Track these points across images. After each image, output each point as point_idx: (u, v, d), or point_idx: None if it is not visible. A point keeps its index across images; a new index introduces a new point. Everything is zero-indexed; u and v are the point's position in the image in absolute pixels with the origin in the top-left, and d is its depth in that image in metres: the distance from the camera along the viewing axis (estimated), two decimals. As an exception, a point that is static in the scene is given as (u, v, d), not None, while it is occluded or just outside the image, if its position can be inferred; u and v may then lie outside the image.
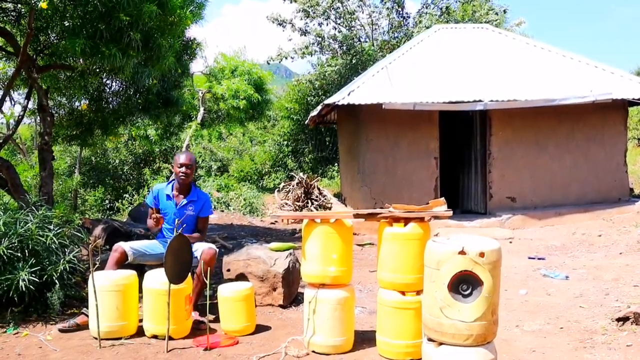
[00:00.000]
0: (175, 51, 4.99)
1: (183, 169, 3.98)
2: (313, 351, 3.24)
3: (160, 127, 10.09)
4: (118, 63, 4.26)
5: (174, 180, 4.13)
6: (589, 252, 6.35)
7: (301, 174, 12.14)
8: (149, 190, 12.25)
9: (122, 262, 3.77)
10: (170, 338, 3.36)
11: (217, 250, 3.88)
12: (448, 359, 2.47)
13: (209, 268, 3.62)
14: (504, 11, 17.80)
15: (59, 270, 3.86)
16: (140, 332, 3.57)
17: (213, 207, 10.70)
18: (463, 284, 2.44)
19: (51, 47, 5.23)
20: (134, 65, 4.84)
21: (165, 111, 6.98)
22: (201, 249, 3.82)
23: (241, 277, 4.31)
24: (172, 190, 4.07)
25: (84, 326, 3.60)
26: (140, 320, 3.63)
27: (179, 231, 3.61)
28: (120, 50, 4.19)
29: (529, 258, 6.22)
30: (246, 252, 4.46)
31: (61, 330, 3.58)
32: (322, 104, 9.27)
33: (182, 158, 4.01)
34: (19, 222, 3.92)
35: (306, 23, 18.44)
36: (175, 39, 4.76)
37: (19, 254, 3.76)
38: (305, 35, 18.65)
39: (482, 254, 2.41)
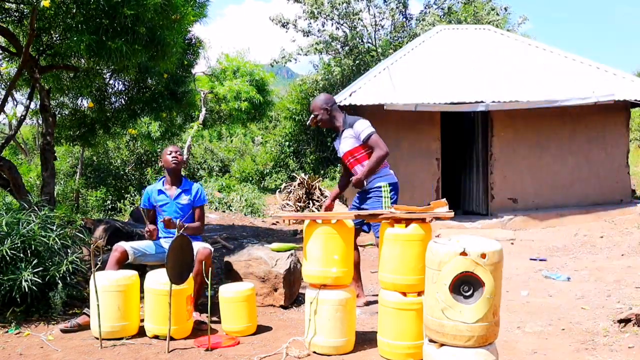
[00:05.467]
0: (180, 48, 5.00)
1: (173, 154, 4.09)
2: (314, 352, 3.24)
3: (163, 125, 10.09)
4: (124, 59, 4.26)
5: (164, 177, 4.20)
6: (591, 254, 6.34)
7: (302, 174, 12.15)
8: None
9: (123, 262, 3.78)
10: (172, 338, 3.36)
11: (212, 249, 3.90)
12: (449, 360, 2.46)
13: (210, 268, 3.63)
14: (505, 9, 17.81)
15: (62, 271, 3.86)
16: (141, 333, 3.58)
17: (214, 207, 10.77)
18: (464, 285, 2.44)
19: (54, 48, 5.24)
20: (140, 62, 4.85)
21: (171, 105, 6.99)
22: (195, 249, 3.82)
23: (242, 277, 4.32)
24: (164, 185, 4.15)
25: (86, 326, 3.61)
26: (142, 321, 3.63)
27: (181, 232, 3.62)
28: (126, 43, 4.19)
29: (531, 259, 6.22)
30: (247, 252, 4.47)
31: (63, 331, 3.59)
32: (323, 104, 9.27)
33: (170, 147, 4.16)
34: (22, 222, 3.93)
35: (309, 24, 18.46)
36: (178, 36, 4.77)
37: (22, 255, 3.77)
38: (308, 36, 18.67)
39: (483, 255, 2.41)
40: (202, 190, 4.22)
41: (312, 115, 4.17)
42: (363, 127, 4.01)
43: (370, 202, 4.04)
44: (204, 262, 3.72)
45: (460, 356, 2.44)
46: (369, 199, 4.07)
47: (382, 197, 4.00)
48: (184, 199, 4.11)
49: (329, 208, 4.24)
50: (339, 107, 4.30)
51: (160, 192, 4.12)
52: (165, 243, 4.06)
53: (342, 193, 4.44)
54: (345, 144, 4.12)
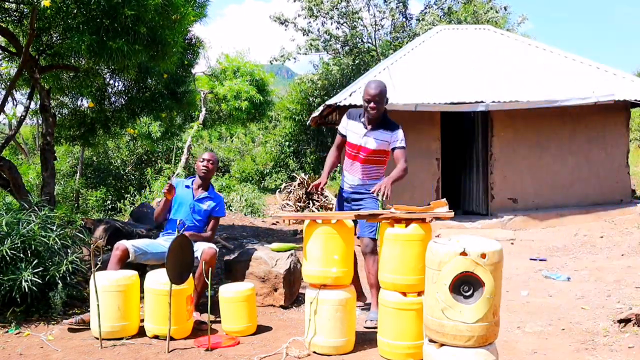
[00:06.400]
0: (180, 48, 5.00)
1: (204, 163, 4.20)
2: (314, 352, 3.25)
3: (163, 125, 10.10)
4: (125, 59, 4.26)
5: (194, 176, 4.31)
6: (591, 254, 6.34)
7: (302, 174, 12.15)
8: (150, 191, 12.30)
9: (125, 260, 3.80)
10: (172, 338, 3.36)
11: (217, 250, 3.91)
12: (449, 360, 2.46)
13: (210, 268, 3.64)
14: (505, 8, 17.84)
15: (62, 271, 3.86)
16: (141, 333, 3.58)
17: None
18: (464, 285, 2.44)
19: (54, 48, 5.24)
20: (140, 62, 4.85)
21: (171, 105, 7.00)
22: (201, 248, 3.84)
23: (242, 277, 4.32)
24: (192, 184, 4.25)
25: (89, 323, 3.60)
26: (142, 321, 3.63)
27: (181, 231, 3.62)
28: (127, 43, 4.20)
29: (531, 259, 6.22)
30: (247, 252, 4.46)
31: (69, 330, 3.59)
32: (323, 104, 9.28)
33: (205, 154, 4.27)
34: (22, 222, 3.93)
35: (309, 22, 18.47)
36: (179, 36, 4.77)
37: (22, 255, 3.77)
38: (307, 35, 18.69)
39: (483, 255, 2.41)
40: (223, 203, 4.32)
41: (372, 103, 3.81)
42: (402, 137, 3.92)
43: (365, 203, 3.94)
44: (207, 262, 3.72)
45: (460, 356, 2.44)
46: (362, 200, 3.97)
47: (378, 200, 3.88)
48: (205, 205, 4.19)
49: (318, 186, 3.94)
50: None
51: (187, 187, 4.23)
52: (166, 242, 4.07)
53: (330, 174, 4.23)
54: (377, 142, 3.92)
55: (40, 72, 5.34)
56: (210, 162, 4.21)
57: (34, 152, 13.75)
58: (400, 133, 3.93)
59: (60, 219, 4.63)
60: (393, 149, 3.93)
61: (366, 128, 3.95)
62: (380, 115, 3.92)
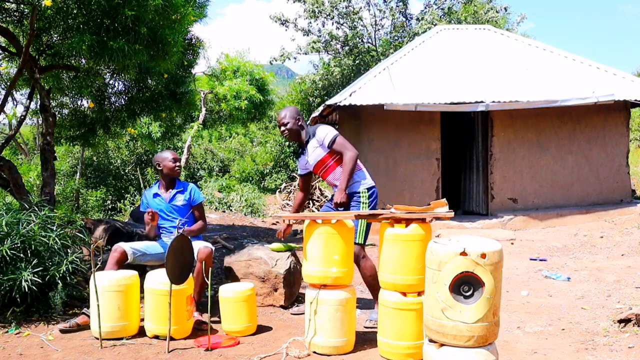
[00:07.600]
0: (180, 48, 5.01)
1: (177, 164, 4.17)
2: (314, 352, 3.25)
3: (163, 125, 10.11)
4: (126, 59, 4.26)
5: (158, 181, 4.27)
6: (591, 254, 6.34)
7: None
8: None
9: (122, 262, 3.80)
10: (172, 338, 3.36)
11: (213, 249, 3.91)
12: (449, 360, 2.46)
13: (210, 267, 3.64)
14: (505, 9, 17.87)
15: (62, 271, 3.87)
16: (141, 333, 3.58)
17: (214, 207, 10.76)
18: (464, 285, 2.44)
19: (54, 48, 5.24)
20: (140, 62, 4.86)
21: (171, 105, 7.00)
22: (197, 248, 3.84)
23: (242, 277, 4.32)
24: (159, 189, 4.21)
25: (85, 326, 3.61)
26: (142, 321, 3.63)
27: (180, 231, 3.62)
28: (127, 43, 4.20)
29: (531, 259, 6.22)
30: (247, 252, 4.47)
31: (62, 331, 3.59)
32: (323, 104, 9.28)
33: (170, 155, 4.18)
34: (22, 222, 3.93)
35: (309, 23, 18.48)
36: (179, 36, 4.78)
37: (22, 255, 3.78)
38: (308, 35, 18.70)
39: (483, 255, 2.41)
40: (196, 190, 4.26)
41: (282, 127, 3.92)
42: (325, 132, 3.76)
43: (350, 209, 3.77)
44: (204, 261, 3.73)
45: (460, 356, 2.44)
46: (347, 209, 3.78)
47: (360, 202, 3.73)
48: (179, 200, 4.15)
49: (287, 233, 3.79)
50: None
51: (155, 195, 4.19)
52: (166, 240, 4.08)
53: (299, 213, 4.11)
54: (314, 155, 3.86)
55: (40, 72, 5.34)
56: (179, 160, 4.24)
57: (34, 152, 13.74)
58: (320, 130, 3.78)
59: (60, 219, 4.63)
60: (331, 147, 3.75)
61: (303, 154, 3.96)
62: (297, 134, 3.91)
